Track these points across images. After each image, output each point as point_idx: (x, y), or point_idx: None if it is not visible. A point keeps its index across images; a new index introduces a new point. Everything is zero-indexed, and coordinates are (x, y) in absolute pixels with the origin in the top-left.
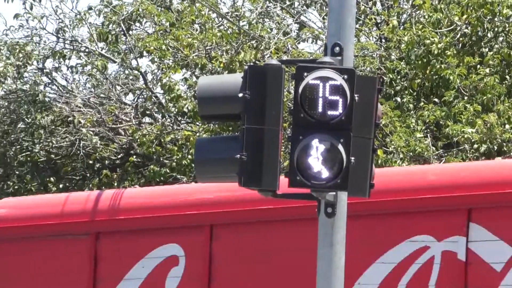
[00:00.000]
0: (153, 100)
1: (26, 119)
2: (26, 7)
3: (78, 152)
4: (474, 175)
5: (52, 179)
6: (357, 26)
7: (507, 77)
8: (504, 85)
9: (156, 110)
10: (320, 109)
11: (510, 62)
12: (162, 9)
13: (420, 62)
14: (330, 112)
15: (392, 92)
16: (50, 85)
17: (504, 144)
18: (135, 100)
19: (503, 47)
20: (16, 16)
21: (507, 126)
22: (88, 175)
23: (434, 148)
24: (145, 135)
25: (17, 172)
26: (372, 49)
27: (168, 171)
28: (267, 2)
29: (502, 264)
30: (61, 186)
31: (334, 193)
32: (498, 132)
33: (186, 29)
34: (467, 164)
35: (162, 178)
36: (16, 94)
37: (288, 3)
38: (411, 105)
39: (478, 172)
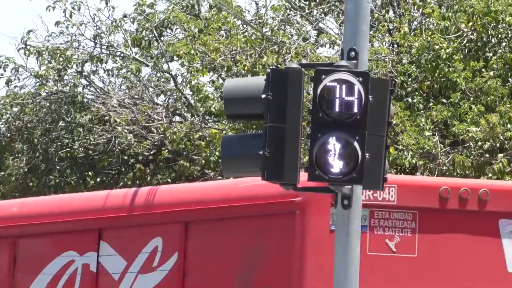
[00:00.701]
0: (182, 100)
1: (66, 118)
2: (66, 15)
3: (114, 148)
4: (105, 202)
5: (90, 173)
6: (371, 32)
7: (510, 79)
8: (506, 87)
9: (186, 110)
10: (337, 109)
11: None
12: (191, 16)
13: (429, 65)
14: (346, 112)
15: (403, 93)
16: (88, 87)
17: (506, 142)
18: (166, 100)
19: (506, 52)
20: (57, 23)
21: (508, 126)
22: (123, 169)
23: (441, 145)
24: (175, 132)
25: (57, 167)
26: (384, 54)
27: (198, 167)
28: (288, 10)
29: (119, 274)
30: (98, 179)
31: (350, 186)
32: (500, 131)
33: (213, 35)
34: (103, 192)
35: (190, 173)
36: (57, 95)
37: (307, 11)
38: (420, 106)
39: (108, 199)
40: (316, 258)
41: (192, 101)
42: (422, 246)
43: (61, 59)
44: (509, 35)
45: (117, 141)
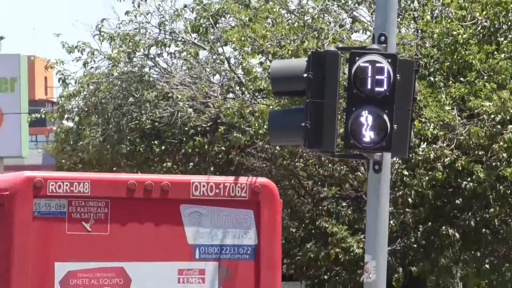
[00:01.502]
0: (235, 80)
1: (135, 95)
2: (135, 6)
3: (176, 121)
4: None
5: (156, 142)
6: (398, 20)
7: None
8: None
9: (238, 88)
10: (369, 86)
11: None
12: (242, 6)
13: (448, 49)
14: (377, 89)
15: (426, 73)
16: (153, 68)
17: None
18: (221, 80)
19: None
20: (127, 12)
21: None
22: (184, 139)
23: (459, 118)
24: (229, 108)
25: (128, 137)
26: (410, 39)
27: (248, 138)
28: (326, 0)
29: None
30: (162, 148)
31: (380, 153)
32: (510, 105)
33: (261, 23)
34: None
35: (242, 143)
36: (127, 75)
37: (343, 1)
38: (441, 84)
39: None
40: (22, 239)
41: (243, 80)
42: (114, 226)
43: (130, 44)
44: None
45: (179, 115)
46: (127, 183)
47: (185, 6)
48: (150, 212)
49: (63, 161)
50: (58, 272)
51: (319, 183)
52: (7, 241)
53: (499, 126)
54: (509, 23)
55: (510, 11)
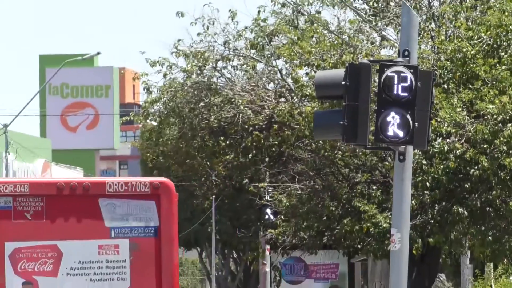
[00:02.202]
0: (286, 87)
1: (205, 100)
2: (204, 28)
3: (238, 121)
4: None
5: (221, 138)
6: (419, 38)
7: None
8: None
9: (288, 93)
10: (395, 92)
11: None
12: (292, 27)
13: (459, 62)
14: (401, 94)
15: (441, 81)
16: (220, 78)
17: None
18: (275, 87)
19: None
20: (198, 34)
21: None
22: (244, 135)
23: (468, 118)
24: (281, 109)
25: (199, 134)
26: (428, 54)
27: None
28: (360, 23)
29: None
30: (227, 142)
31: (404, 146)
32: (509, 108)
33: (307, 41)
34: None
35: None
36: (198, 84)
37: (374, 23)
38: (453, 90)
39: None
40: None
41: (292, 87)
42: (48, 215)
43: (201, 59)
44: None
45: (240, 116)
46: (56, 184)
47: (246, 27)
48: (76, 205)
49: (148, 154)
50: (7, 249)
51: (354, 170)
52: None
53: (500, 125)
54: (509, 41)
55: (510, 31)
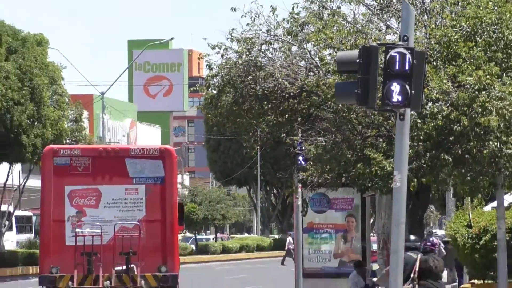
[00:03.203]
0: (314, 64)
1: (252, 74)
2: (252, 19)
3: (277, 90)
4: None
5: (265, 102)
6: (415, 27)
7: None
8: (484, 55)
9: (316, 69)
10: (397, 67)
11: None
12: (318, 19)
13: (445, 45)
14: (402, 69)
15: (432, 59)
16: (263, 57)
17: (487, 85)
18: (305, 64)
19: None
20: (247, 24)
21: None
22: (282, 101)
23: (452, 87)
24: (310, 81)
25: (248, 100)
26: (421, 39)
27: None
28: (370, 15)
29: None
30: (269, 106)
31: (403, 109)
32: (483, 79)
33: (330, 29)
34: None
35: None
36: (247, 62)
37: (380, 16)
38: (441, 66)
39: None
40: (50, 176)
41: (319, 64)
42: (93, 168)
43: (249, 43)
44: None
45: (279, 86)
46: (98, 149)
47: (283, 19)
48: (111, 162)
49: (209, 115)
50: (66, 191)
51: (365, 127)
52: (45, 180)
53: (476, 92)
54: (483, 29)
55: (483, 21)
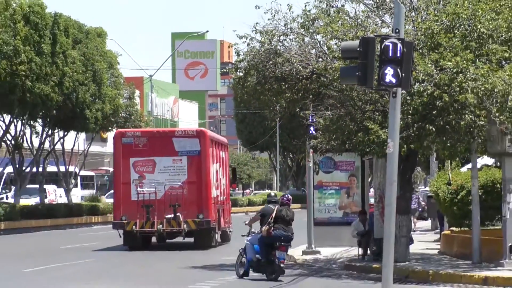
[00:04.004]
0: (322, 51)
1: (272, 59)
2: (272, 15)
3: (293, 72)
4: None
5: (282, 83)
6: (405, 21)
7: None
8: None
9: (324, 56)
10: (390, 54)
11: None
12: (326, 15)
13: (430, 36)
14: (394, 56)
15: (418, 48)
16: (281, 46)
17: (464, 68)
18: (316, 52)
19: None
20: (268, 19)
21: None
22: (296, 82)
23: (435, 70)
24: (320, 65)
25: (269, 81)
26: (410, 32)
27: (329, 80)
28: (369, 12)
29: None
30: (286, 86)
31: (396, 88)
32: (460, 64)
33: (336, 24)
34: None
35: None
36: (268, 50)
37: (377, 12)
38: (426, 53)
39: None
40: (120, 151)
41: (327, 52)
42: (150, 145)
43: (270, 34)
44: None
45: (294, 69)
46: (153, 131)
47: (298, 15)
48: (162, 140)
49: (237, 93)
50: (131, 162)
51: (365, 103)
52: (116, 154)
53: (455, 75)
54: (460, 23)
55: (460, 17)
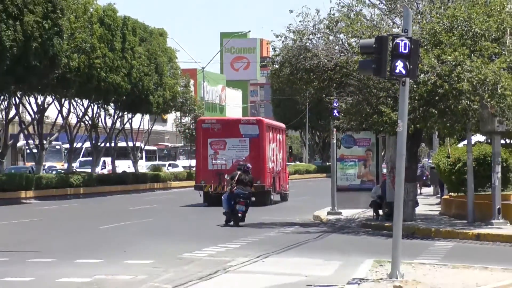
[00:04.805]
0: (345, 47)
1: (303, 54)
2: (303, 18)
3: (320, 65)
4: None
5: (311, 74)
6: (412, 23)
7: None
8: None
9: (346, 51)
10: (400, 50)
11: None
12: (347, 18)
13: (433, 35)
14: (403, 51)
15: (424, 45)
16: (310, 43)
17: (460, 63)
18: (339, 48)
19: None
20: (300, 21)
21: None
22: (322, 73)
23: (437, 63)
24: (342, 59)
25: (300, 72)
26: (416, 31)
27: (350, 71)
28: (382, 15)
29: None
30: (314, 76)
31: (405, 78)
32: (459, 58)
33: (355, 25)
34: None
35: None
36: (300, 46)
37: (389, 15)
38: (429, 49)
39: None
40: (201, 135)
41: (348, 48)
42: (223, 129)
43: (301, 33)
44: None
45: (321, 63)
46: (225, 119)
47: (324, 18)
48: (231, 126)
49: (274, 83)
50: (208, 142)
51: (379, 90)
52: (197, 136)
53: (453, 67)
54: (458, 24)
55: (458, 19)
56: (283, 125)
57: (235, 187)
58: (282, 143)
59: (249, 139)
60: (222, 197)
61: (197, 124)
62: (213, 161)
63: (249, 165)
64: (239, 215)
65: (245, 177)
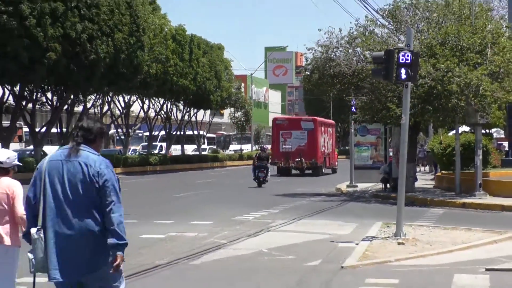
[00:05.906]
0: (361, 58)
1: (328, 63)
2: (328, 35)
3: (341, 72)
4: None
5: (335, 79)
6: (414, 39)
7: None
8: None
9: (361, 61)
10: (403, 60)
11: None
12: (363, 35)
13: (430, 48)
14: (407, 61)
15: (422, 56)
16: (334, 55)
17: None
18: (356, 58)
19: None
20: (327, 37)
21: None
22: (343, 77)
23: (433, 70)
24: (359, 68)
25: (326, 77)
26: (417, 46)
27: (363, 75)
28: (391, 33)
29: None
30: (336, 80)
31: (407, 82)
32: (451, 66)
33: (369, 40)
34: None
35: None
36: (326, 58)
37: (396, 33)
38: (427, 59)
39: None
40: (274, 128)
41: (363, 59)
42: (289, 124)
43: (327, 47)
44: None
45: (342, 70)
46: (289, 118)
47: (344, 35)
48: (296, 122)
49: (305, 85)
50: (280, 133)
51: (387, 91)
52: (273, 129)
53: (445, 73)
54: (449, 40)
55: (450, 35)
56: (332, 122)
57: (257, 162)
58: (331, 134)
59: (307, 131)
60: (251, 169)
61: (273, 121)
62: (283, 146)
63: (265, 146)
64: (261, 179)
65: (263, 154)
